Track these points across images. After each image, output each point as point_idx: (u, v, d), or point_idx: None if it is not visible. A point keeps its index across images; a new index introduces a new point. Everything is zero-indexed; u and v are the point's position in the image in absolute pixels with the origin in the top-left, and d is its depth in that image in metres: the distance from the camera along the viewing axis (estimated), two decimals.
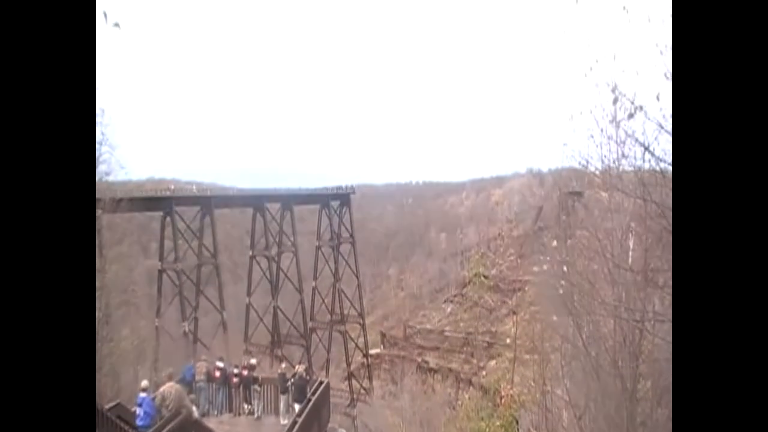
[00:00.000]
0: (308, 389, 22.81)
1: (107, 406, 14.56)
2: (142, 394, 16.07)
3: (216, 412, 23.00)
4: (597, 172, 13.95)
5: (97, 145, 23.64)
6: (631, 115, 10.40)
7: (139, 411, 15.68)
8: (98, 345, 24.11)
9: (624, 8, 9.17)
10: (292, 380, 22.53)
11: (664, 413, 12.31)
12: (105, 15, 4.93)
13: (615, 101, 10.95)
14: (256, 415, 22.82)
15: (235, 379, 23.26)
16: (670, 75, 7.85)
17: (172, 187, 67.18)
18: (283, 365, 25.58)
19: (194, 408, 19.21)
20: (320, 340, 69.63)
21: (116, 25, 5.16)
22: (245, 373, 23.28)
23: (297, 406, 21.66)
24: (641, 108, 9.70)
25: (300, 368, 24.93)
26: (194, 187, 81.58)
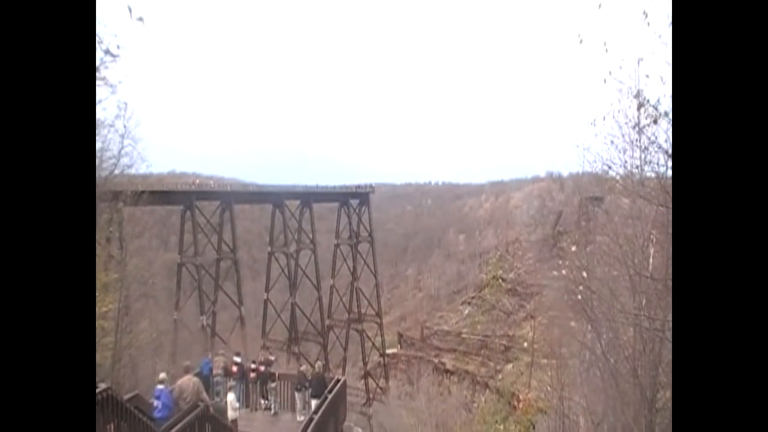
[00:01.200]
0: (327, 384, 22.85)
1: (126, 397, 14.66)
2: (160, 386, 16.16)
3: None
4: (618, 178, 13.89)
5: (120, 138, 23.81)
6: (655, 121, 10.34)
7: (156, 403, 15.77)
8: (117, 336, 24.29)
9: (644, 12, 9.09)
10: (310, 377, 22.58)
11: None
12: (129, 9, 4.98)
13: (639, 107, 10.90)
14: (273, 411, 22.89)
15: (252, 375, 23.37)
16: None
17: (197, 181, 67.47)
18: (303, 367, 25.60)
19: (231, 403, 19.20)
20: (337, 338, 69.71)
21: (140, 19, 5.22)
22: (262, 368, 23.35)
23: (314, 402, 21.66)
24: (666, 114, 9.64)
25: (318, 364, 25.00)
26: (212, 182, 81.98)
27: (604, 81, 10.92)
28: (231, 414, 19.32)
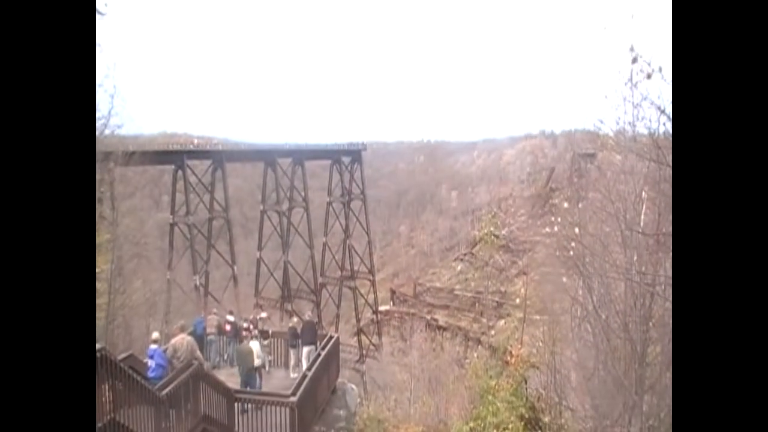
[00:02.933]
0: (317, 331, 23.11)
1: (120, 357, 14.69)
2: (153, 346, 16.22)
3: (227, 365, 23.27)
4: (611, 134, 13.83)
5: (109, 98, 23.58)
6: (648, 76, 10.25)
7: (150, 363, 15.84)
8: (110, 297, 24.35)
9: None
10: (301, 327, 22.81)
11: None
12: None
13: (634, 61, 10.79)
14: (266, 369, 23.05)
15: (245, 333, 23.47)
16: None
17: (195, 141, 67.06)
18: (295, 319, 25.73)
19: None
20: (330, 295, 70.10)
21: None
22: (252, 327, 23.46)
23: (306, 349, 22.03)
24: (660, 69, 9.54)
25: (309, 314, 25.22)
26: (195, 140, 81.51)
27: (599, 35, 10.81)
28: (256, 362, 19.98)
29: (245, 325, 23.72)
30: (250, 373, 19.76)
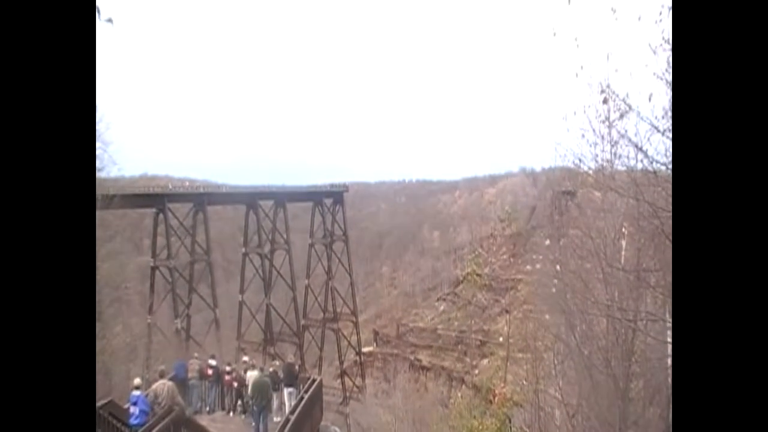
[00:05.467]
0: (297, 373, 23.06)
1: (99, 404, 14.52)
2: (136, 392, 16.02)
3: (208, 410, 22.99)
4: (590, 172, 13.97)
5: None
6: (622, 115, 10.43)
7: (133, 409, 15.60)
8: None
9: (612, 9, 9.18)
10: (281, 371, 22.77)
11: (655, 412, 12.36)
12: (98, 10, 4.91)
13: (605, 101, 10.98)
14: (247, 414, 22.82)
15: (227, 377, 23.24)
16: (662, 75, 7.89)
17: (170, 186, 66.99)
18: (276, 362, 25.57)
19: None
20: (313, 337, 69.67)
21: (109, 20, 5.15)
22: (235, 374, 23.27)
23: (287, 391, 22.03)
24: (633, 108, 9.72)
25: (291, 356, 25.23)
26: (187, 183, 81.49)
27: (576, 76, 10.98)
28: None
29: (228, 369, 23.50)
30: (265, 406, 20.23)
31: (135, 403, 15.73)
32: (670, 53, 6.52)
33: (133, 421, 15.29)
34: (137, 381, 16.66)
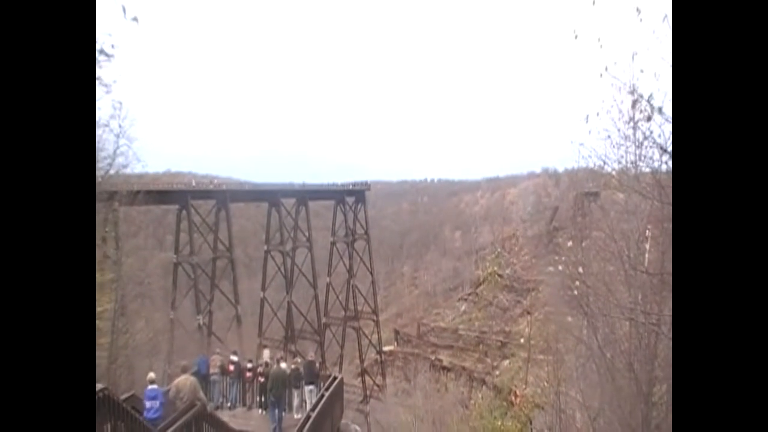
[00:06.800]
0: (318, 371, 23.17)
1: (122, 397, 14.62)
2: (152, 386, 16.10)
3: (229, 405, 23.13)
4: (614, 173, 13.86)
5: (115, 138, 23.75)
6: (649, 117, 10.32)
7: (150, 404, 15.66)
8: (113, 336, 24.24)
9: (637, 9, 9.07)
10: (302, 368, 22.84)
11: None
12: (124, 9, 4.94)
13: (634, 104, 10.87)
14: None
15: (249, 374, 23.37)
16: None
17: (194, 183, 67.44)
18: (298, 360, 25.64)
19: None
20: (334, 335, 69.76)
21: (134, 19, 5.19)
22: (259, 369, 23.37)
23: (307, 388, 22.20)
24: (660, 110, 9.61)
25: (311, 353, 25.40)
26: (211, 181, 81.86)
27: (600, 76, 10.88)
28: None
29: (249, 365, 23.61)
30: (281, 397, 20.88)
31: (154, 398, 15.83)
32: None
33: (152, 415, 15.39)
34: (152, 375, 16.75)
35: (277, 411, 20.41)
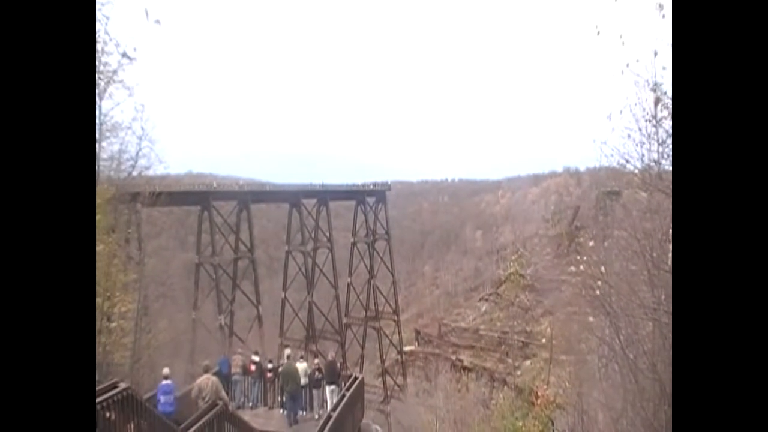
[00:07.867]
0: (339, 371, 23.30)
1: (145, 396, 14.73)
2: (166, 381, 16.20)
3: (251, 405, 23.23)
4: (636, 172, 13.73)
5: (137, 140, 23.92)
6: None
7: (166, 398, 15.77)
8: (136, 336, 24.42)
9: (659, 5, 9.00)
10: (323, 368, 22.90)
11: None
12: (146, 12, 4.97)
13: (657, 101, 10.77)
14: None
15: (270, 374, 23.46)
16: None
17: (215, 184, 67.80)
18: (316, 360, 25.69)
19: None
20: (355, 335, 69.81)
21: (157, 21, 5.22)
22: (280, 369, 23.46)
23: (329, 388, 22.34)
24: None
25: (331, 353, 25.59)
26: (240, 182, 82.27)
27: (621, 73, 10.81)
28: (302, 380, 22.25)
29: (270, 365, 23.70)
30: (296, 392, 21.35)
31: (169, 392, 15.95)
32: None
33: (166, 409, 15.48)
34: (166, 371, 16.86)
35: (293, 406, 21.01)
